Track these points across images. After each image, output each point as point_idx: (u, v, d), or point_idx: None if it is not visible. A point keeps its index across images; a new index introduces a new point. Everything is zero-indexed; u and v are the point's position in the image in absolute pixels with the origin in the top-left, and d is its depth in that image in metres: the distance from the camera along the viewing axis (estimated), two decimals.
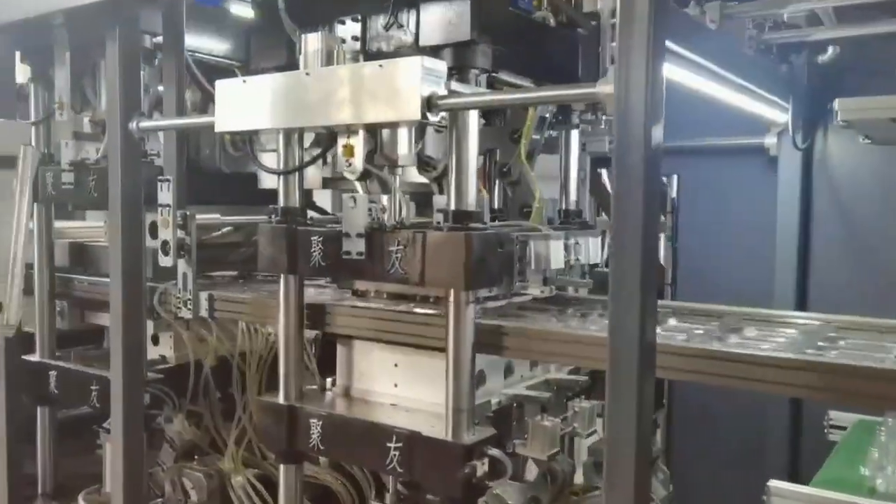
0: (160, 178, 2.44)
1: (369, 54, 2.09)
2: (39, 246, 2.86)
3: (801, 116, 4.32)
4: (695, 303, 2.27)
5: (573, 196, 2.53)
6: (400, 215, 1.94)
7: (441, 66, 1.74)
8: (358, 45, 2.11)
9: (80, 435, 3.10)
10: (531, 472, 2.14)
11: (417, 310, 2.06)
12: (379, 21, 2.05)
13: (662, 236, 3.87)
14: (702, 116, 3.93)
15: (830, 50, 3.89)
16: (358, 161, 1.87)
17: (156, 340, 2.71)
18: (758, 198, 4.66)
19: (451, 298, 1.80)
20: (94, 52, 2.70)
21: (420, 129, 2.01)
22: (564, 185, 2.53)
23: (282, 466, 2.13)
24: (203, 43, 2.75)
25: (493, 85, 2.11)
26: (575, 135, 2.53)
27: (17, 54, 2.87)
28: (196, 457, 2.79)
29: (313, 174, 2.33)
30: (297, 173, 2.06)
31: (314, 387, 2.27)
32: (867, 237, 4.35)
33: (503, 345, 1.91)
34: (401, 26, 1.99)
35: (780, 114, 4.32)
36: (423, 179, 2.19)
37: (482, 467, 1.81)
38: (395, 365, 2.13)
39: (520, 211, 2.47)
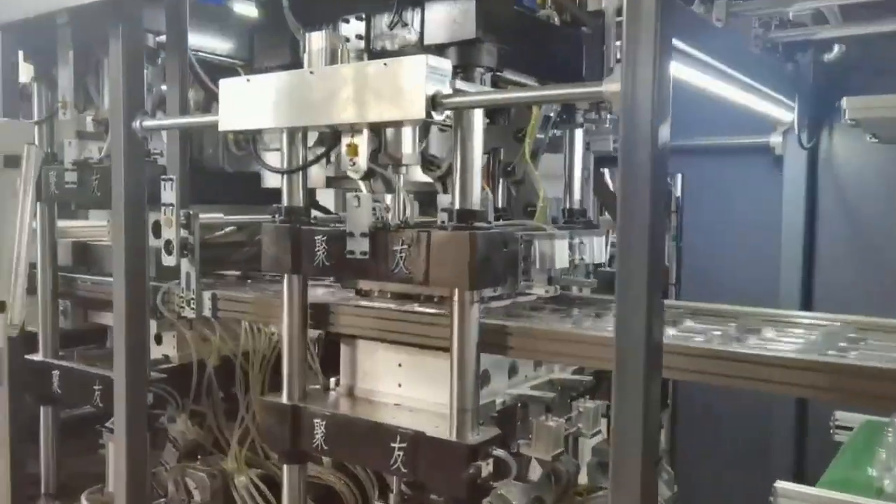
0: (163, 177, 2.44)
1: (373, 53, 2.08)
2: (43, 245, 2.86)
3: (806, 115, 4.30)
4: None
5: (577, 195, 2.52)
6: (404, 215, 1.94)
7: (446, 64, 1.73)
8: (362, 43, 2.10)
9: (82, 434, 3.10)
10: (535, 472, 2.13)
11: (421, 309, 2.05)
12: (383, 20, 2.04)
13: (666, 236, 3.86)
14: (706, 115, 3.91)
15: (836, 48, 3.87)
16: (362, 160, 1.87)
17: (159, 340, 2.71)
18: (763, 197, 4.64)
19: (456, 298, 1.79)
20: (97, 50, 2.70)
21: (424, 127, 1.99)
22: (569, 184, 2.52)
23: (285, 466, 2.13)
24: (206, 42, 2.74)
25: (497, 84, 2.10)
26: (579, 134, 2.52)
27: (21, 53, 2.87)
28: (199, 457, 2.78)
29: (317, 173, 2.33)
30: (300, 172, 2.05)
31: (317, 386, 2.26)
32: (873, 236, 4.34)
33: (508, 345, 1.90)
34: (405, 25, 1.98)
35: (785, 113, 4.30)
36: (426, 179, 2.18)
37: (487, 468, 1.80)
38: (399, 365, 2.13)
39: (524, 210, 2.46)
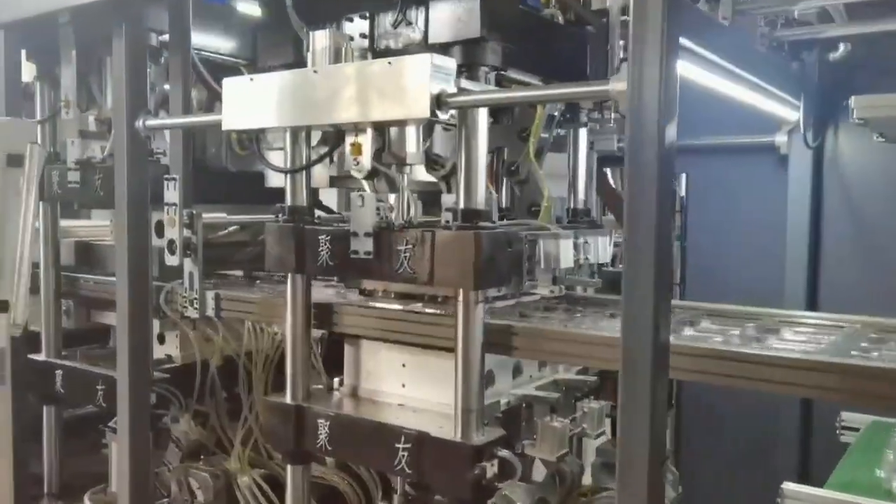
0: (166, 176, 2.43)
1: (377, 52, 2.07)
2: (45, 245, 2.85)
3: (812, 114, 4.29)
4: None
5: (581, 195, 2.51)
6: (408, 214, 1.93)
7: (451, 63, 1.72)
8: (366, 42, 2.09)
9: (85, 434, 3.09)
10: (538, 471, 2.12)
11: (425, 310, 2.04)
12: (387, 18, 2.03)
13: None
14: (711, 114, 3.89)
15: (842, 47, 3.86)
16: (366, 159, 1.86)
17: (162, 340, 2.71)
18: (768, 196, 4.63)
19: (461, 298, 1.78)
20: (99, 50, 2.69)
21: (428, 127, 1.99)
22: (573, 183, 2.51)
23: (289, 467, 2.12)
24: (209, 41, 2.74)
25: (501, 83, 2.08)
26: (583, 133, 2.51)
27: (23, 53, 2.86)
28: (202, 457, 2.78)
29: (320, 173, 2.31)
30: (304, 172, 2.05)
31: (320, 386, 2.25)
32: (878, 236, 4.32)
33: (513, 345, 1.89)
34: (409, 23, 1.97)
35: (790, 112, 4.28)
36: (429, 178, 2.17)
37: (492, 468, 1.79)
38: (403, 365, 2.12)
39: (528, 210, 2.45)
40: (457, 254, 1.74)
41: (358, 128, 1.85)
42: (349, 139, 1.88)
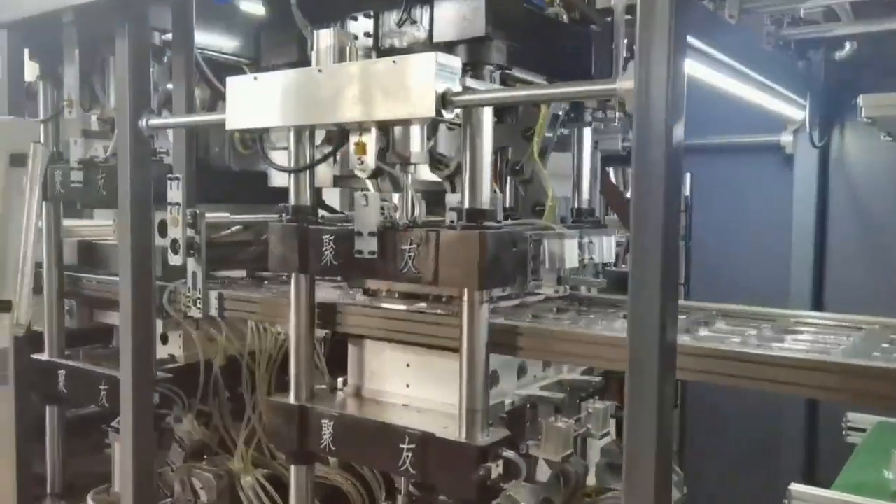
0: (169, 176, 2.43)
1: (382, 51, 2.07)
2: (48, 244, 2.85)
3: (818, 113, 4.27)
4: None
5: (586, 194, 2.50)
6: (412, 214, 1.92)
7: (456, 62, 1.71)
8: (370, 41, 2.08)
9: (88, 434, 3.09)
10: (541, 471, 2.12)
11: (430, 310, 2.03)
12: (392, 17, 2.03)
13: None
14: (716, 114, 3.88)
15: (848, 46, 3.84)
16: (370, 159, 1.85)
17: (165, 339, 2.70)
18: (773, 196, 4.61)
19: (465, 298, 1.78)
20: (102, 49, 2.69)
21: (432, 126, 1.98)
22: (577, 183, 2.50)
23: (293, 467, 2.12)
24: (212, 40, 2.74)
25: (505, 82, 2.08)
26: (588, 132, 2.50)
27: (26, 52, 2.86)
28: (205, 457, 2.77)
29: (323, 172, 2.31)
30: (308, 171, 2.04)
31: (323, 386, 2.25)
32: (884, 235, 4.30)
33: (518, 345, 1.88)
34: (414, 22, 1.97)
35: (796, 111, 4.27)
36: (432, 177, 2.16)
37: (496, 469, 1.78)
38: (407, 365, 2.11)
39: (532, 209, 2.44)
40: (462, 253, 1.74)
41: (362, 127, 1.85)
42: (353, 138, 1.88)
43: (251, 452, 2.67)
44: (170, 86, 2.64)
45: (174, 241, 2.39)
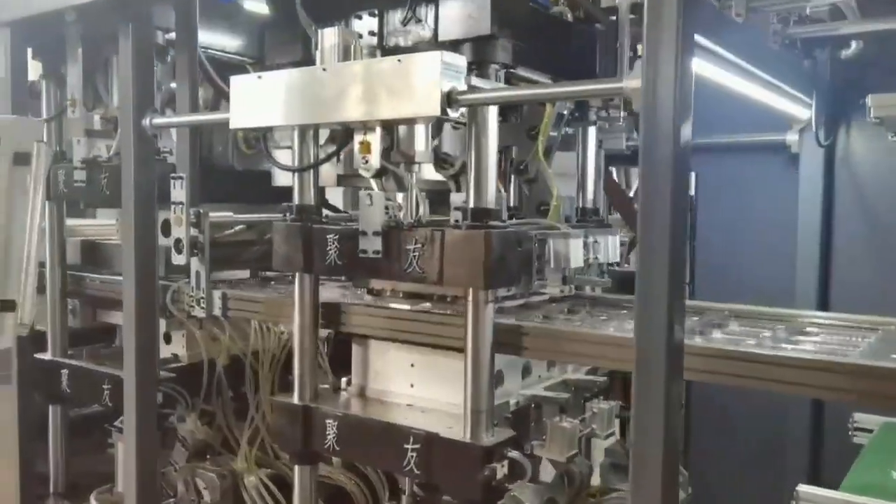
0: (173, 175, 2.42)
1: (386, 49, 2.06)
2: (51, 244, 2.85)
3: (823, 113, 4.25)
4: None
5: (590, 194, 2.49)
6: (417, 213, 1.91)
7: (461, 60, 1.70)
8: (375, 40, 2.08)
9: (91, 434, 3.09)
10: (546, 472, 2.11)
11: (435, 309, 2.02)
12: (396, 16, 2.02)
13: None
14: (721, 113, 3.86)
15: (854, 45, 3.82)
16: (375, 158, 1.85)
17: (168, 339, 2.70)
18: (779, 195, 4.59)
19: (470, 298, 1.77)
20: (106, 48, 2.68)
21: (437, 125, 1.97)
22: (582, 182, 2.50)
23: (297, 467, 2.11)
24: (215, 39, 2.73)
25: (510, 81, 2.07)
26: (592, 132, 2.49)
27: (29, 51, 2.86)
28: (208, 457, 2.77)
29: (327, 171, 2.30)
30: (311, 171, 2.03)
31: (327, 386, 2.24)
32: (890, 234, 4.28)
33: (523, 345, 1.87)
34: (419, 21, 1.96)
35: (802, 110, 4.25)
36: (436, 177, 2.15)
37: (502, 469, 1.78)
38: (412, 365, 2.11)
39: (537, 209, 2.43)
40: (467, 253, 1.73)
41: (367, 126, 1.84)
42: (358, 137, 1.87)
43: (254, 452, 2.66)
44: (173, 85, 2.63)
45: (178, 241, 2.39)
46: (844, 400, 1.57)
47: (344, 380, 2.24)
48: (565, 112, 2.40)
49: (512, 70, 2.04)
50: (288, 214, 2.05)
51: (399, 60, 1.72)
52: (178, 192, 2.39)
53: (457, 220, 1.84)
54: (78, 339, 2.96)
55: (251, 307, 2.40)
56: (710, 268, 4.31)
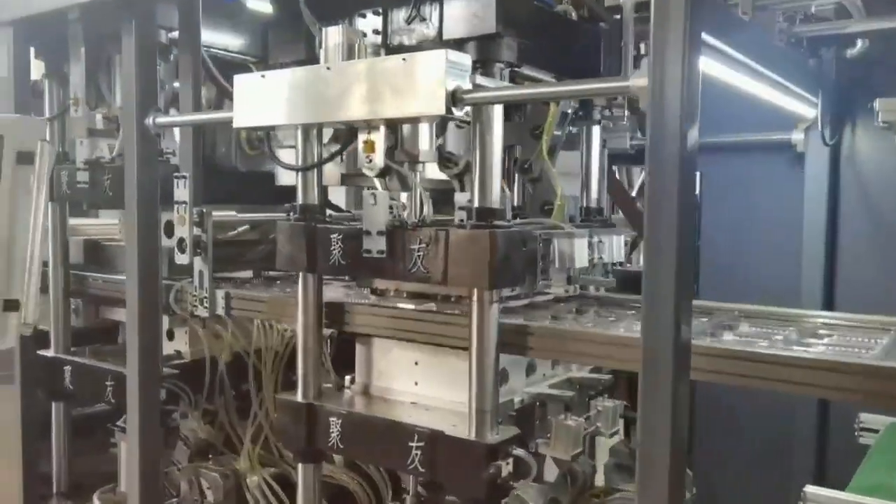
0: (176, 174, 2.42)
1: (390, 48, 2.05)
2: (54, 244, 2.85)
3: (829, 112, 4.24)
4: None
5: (594, 193, 2.49)
6: (421, 213, 1.91)
7: (466, 59, 1.70)
8: (379, 38, 2.07)
9: (94, 434, 3.09)
10: (549, 471, 2.10)
11: (439, 309, 2.02)
12: (400, 14, 2.01)
13: None
14: (727, 111, 3.85)
15: (859, 44, 3.81)
16: (379, 157, 1.84)
17: (171, 335, 2.69)
18: (784, 194, 4.57)
19: (475, 298, 1.76)
20: (108, 47, 2.68)
21: (441, 124, 1.97)
22: (586, 182, 2.49)
23: (300, 466, 2.11)
24: (219, 38, 2.73)
25: (514, 79, 2.06)
26: (596, 131, 2.48)
27: (32, 50, 2.85)
28: (210, 456, 2.77)
29: (331, 170, 2.30)
30: (315, 170, 2.03)
31: (330, 385, 2.24)
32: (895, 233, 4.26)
33: (528, 345, 1.87)
34: (423, 19, 1.95)
35: (807, 109, 4.23)
36: (440, 176, 2.15)
37: (506, 467, 1.77)
38: (416, 363, 2.10)
39: (541, 208, 2.42)
40: (472, 253, 1.72)
41: (371, 125, 1.83)
42: (362, 137, 1.86)
43: (257, 450, 2.66)
44: (176, 84, 2.63)
45: (181, 240, 2.38)
46: (851, 400, 1.57)
47: (347, 378, 2.23)
48: (569, 111, 2.40)
49: (516, 69, 2.03)
50: (291, 214, 2.05)
51: (404, 59, 1.71)
52: (182, 191, 2.38)
53: (461, 220, 1.83)
54: (80, 338, 2.96)
55: (255, 307, 2.40)
56: (715, 267, 4.29)
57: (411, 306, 2.08)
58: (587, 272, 2.29)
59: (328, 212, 2.20)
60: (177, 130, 2.59)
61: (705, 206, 4.27)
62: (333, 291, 2.36)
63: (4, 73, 2.78)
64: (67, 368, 2.76)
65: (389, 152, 1.87)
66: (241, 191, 2.92)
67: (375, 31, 2.07)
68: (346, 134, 1.96)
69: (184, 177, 2.39)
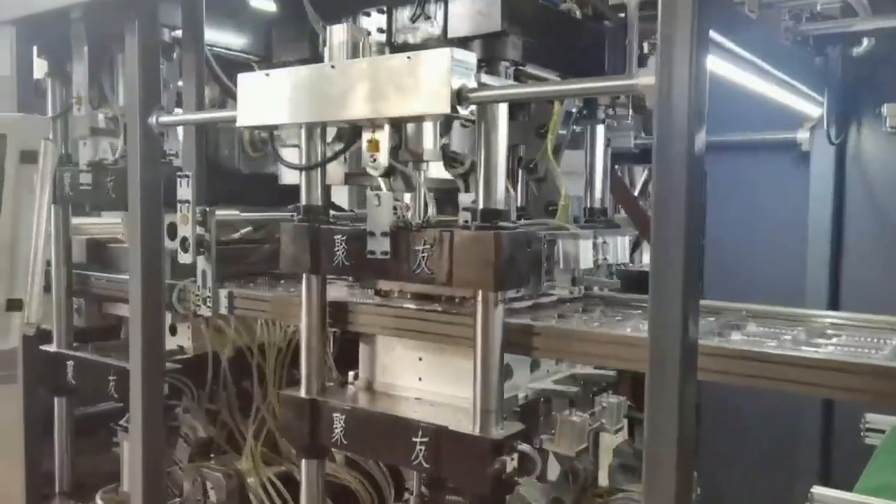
0: (179, 173, 2.41)
1: (395, 47, 2.05)
2: (57, 243, 2.84)
3: (834, 110, 4.21)
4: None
5: (599, 193, 2.48)
6: (425, 214, 1.90)
7: (471, 57, 1.69)
8: (383, 37, 2.06)
9: (97, 433, 3.08)
10: (551, 470, 2.09)
11: (443, 311, 2.01)
12: (405, 13, 2.01)
13: None
14: (732, 110, 3.83)
15: (865, 42, 3.79)
16: (383, 157, 1.83)
17: (173, 331, 2.69)
18: (789, 194, 4.55)
19: (480, 299, 1.76)
20: (111, 46, 2.68)
21: (446, 123, 1.96)
22: (590, 181, 2.48)
23: (304, 462, 2.10)
24: (222, 37, 2.72)
25: (518, 78, 2.05)
26: (601, 130, 2.48)
27: (34, 49, 2.85)
28: (212, 455, 2.76)
29: (334, 170, 2.29)
30: (319, 170, 2.02)
31: (332, 384, 2.23)
32: None
33: (533, 345, 1.86)
34: (428, 18, 1.95)
35: (813, 108, 4.21)
36: (443, 176, 2.14)
37: (511, 463, 1.76)
38: (420, 359, 2.09)
39: (545, 209, 2.42)
40: (476, 254, 1.72)
41: (375, 124, 1.83)
42: (366, 136, 1.86)
43: (260, 448, 2.65)
44: (179, 83, 2.62)
45: (184, 240, 2.38)
46: (858, 400, 1.56)
47: (351, 374, 2.22)
48: (574, 110, 2.39)
49: (521, 67, 2.02)
50: (295, 214, 2.04)
51: (408, 57, 1.70)
52: (185, 190, 2.37)
53: (466, 221, 1.82)
54: (83, 337, 2.95)
55: (258, 306, 2.39)
56: (721, 266, 4.27)
57: (415, 307, 2.07)
58: (592, 273, 2.28)
59: (330, 212, 2.19)
60: (180, 131, 2.59)
61: (709, 205, 4.25)
62: (337, 290, 2.35)
63: (7, 72, 2.77)
64: (70, 363, 2.75)
65: (394, 151, 1.86)
66: (244, 192, 2.90)
67: (380, 30, 2.06)
68: (350, 133, 1.95)
69: (187, 176, 2.39)
